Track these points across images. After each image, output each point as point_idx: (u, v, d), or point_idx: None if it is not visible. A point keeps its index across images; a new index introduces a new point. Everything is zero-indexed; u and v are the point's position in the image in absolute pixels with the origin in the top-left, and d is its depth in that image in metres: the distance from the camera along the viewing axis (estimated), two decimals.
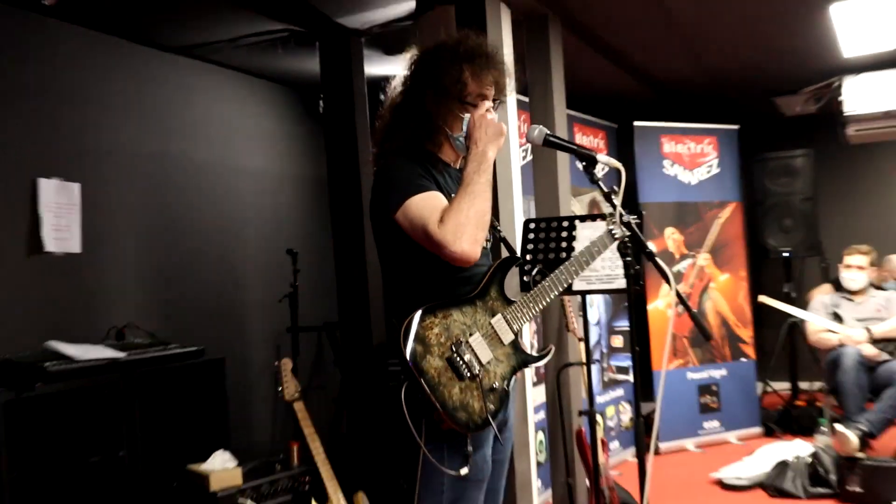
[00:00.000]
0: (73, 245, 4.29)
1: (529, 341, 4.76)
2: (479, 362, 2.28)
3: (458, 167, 2.54)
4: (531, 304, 2.43)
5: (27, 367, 3.34)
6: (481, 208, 2.28)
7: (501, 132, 2.41)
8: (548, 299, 2.47)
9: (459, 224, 2.22)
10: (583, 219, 3.51)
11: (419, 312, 2.21)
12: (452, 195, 2.41)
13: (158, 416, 3.92)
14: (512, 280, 3.63)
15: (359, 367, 4.97)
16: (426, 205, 2.27)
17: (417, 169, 2.34)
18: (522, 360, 2.44)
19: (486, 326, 2.33)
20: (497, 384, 2.33)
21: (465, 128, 2.43)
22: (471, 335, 2.29)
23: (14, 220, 4.06)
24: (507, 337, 2.38)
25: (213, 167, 5.39)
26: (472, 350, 2.27)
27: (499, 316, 2.37)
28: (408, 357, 2.16)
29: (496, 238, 2.58)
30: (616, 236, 2.56)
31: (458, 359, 2.23)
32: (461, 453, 2.27)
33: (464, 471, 2.26)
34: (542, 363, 2.61)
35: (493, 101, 2.50)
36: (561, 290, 2.50)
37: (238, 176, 5.59)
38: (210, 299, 5.24)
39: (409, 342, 2.18)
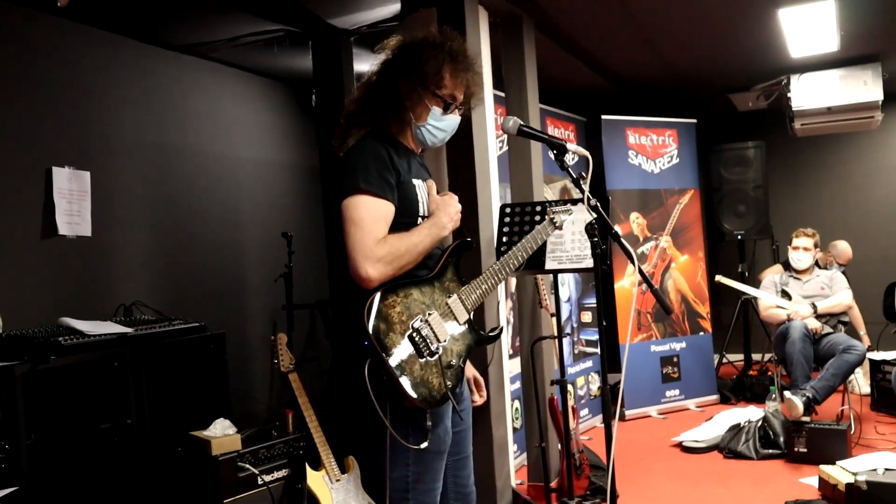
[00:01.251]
0: (84, 229, 4.27)
1: (506, 317, 4.78)
2: (438, 340, 2.25)
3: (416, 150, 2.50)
4: (483, 286, 2.42)
5: (43, 341, 3.33)
6: (409, 262, 2.26)
7: (455, 217, 2.43)
8: (497, 281, 2.46)
9: (389, 258, 2.20)
10: (554, 203, 3.53)
11: (381, 291, 2.17)
12: (415, 180, 2.38)
13: (164, 387, 3.91)
14: (490, 259, 3.66)
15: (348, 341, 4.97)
16: (376, 213, 2.23)
17: (384, 158, 2.28)
18: (477, 338, 2.42)
19: (443, 306, 2.31)
20: (454, 361, 2.31)
21: (431, 119, 2.40)
22: (430, 314, 2.26)
23: (30, 205, 4.03)
24: (463, 316, 2.36)
25: (214, 157, 5.36)
26: (431, 328, 2.24)
27: (455, 296, 2.35)
28: (371, 333, 2.11)
29: None
30: (557, 224, 2.59)
31: (418, 336, 2.20)
32: (422, 428, 2.24)
33: (423, 445, 2.23)
34: (494, 341, 2.61)
35: (459, 106, 2.47)
36: (509, 272, 2.50)
37: (237, 165, 5.57)
38: (211, 279, 5.23)
39: (372, 319, 2.12)
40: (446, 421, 2.35)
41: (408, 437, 2.21)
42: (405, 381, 2.14)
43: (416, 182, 2.39)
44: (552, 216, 2.60)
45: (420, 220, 2.37)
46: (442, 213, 2.37)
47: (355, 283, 2.25)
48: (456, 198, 2.45)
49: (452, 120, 2.47)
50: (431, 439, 2.25)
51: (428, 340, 2.22)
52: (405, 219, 2.30)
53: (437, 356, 2.24)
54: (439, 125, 2.44)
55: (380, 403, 2.15)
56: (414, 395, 2.16)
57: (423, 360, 2.20)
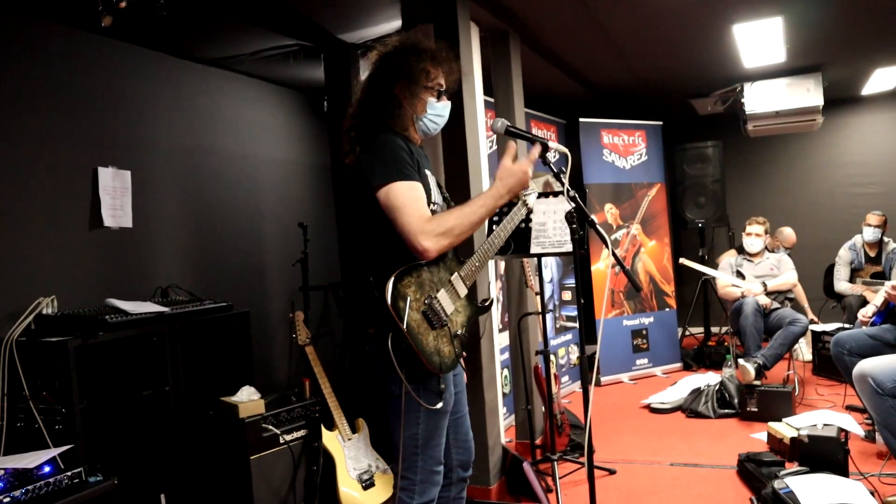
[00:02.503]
0: (126, 221, 4.27)
1: (496, 295, 4.81)
2: (446, 313, 2.27)
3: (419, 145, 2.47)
4: (476, 263, 2.42)
5: (91, 319, 3.35)
6: (466, 232, 2.25)
7: (525, 184, 2.38)
8: (487, 258, 2.47)
9: (443, 230, 2.19)
10: (538, 195, 3.55)
11: (397, 273, 2.15)
12: (426, 171, 2.37)
13: (196, 358, 3.93)
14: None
15: (357, 318, 5.00)
16: (414, 195, 2.21)
17: (405, 149, 2.27)
18: (475, 309, 2.44)
19: (447, 283, 2.31)
20: (460, 331, 2.33)
21: (429, 110, 2.40)
22: (437, 291, 2.26)
23: (79, 201, 4.03)
24: (463, 291, 2.37)
25: (238, 157, 5.36)
26: (440, 303, 2.25)
27: (455, 274, 2.35)
28: (393, 312, 2.11)
29: (448, 206, 2.55)
30: (528, 204, 2.62)
31: (430, 311, 2.21)
32: (435, 391, 2.27)
33: (439, 405, 2.27)
34: (488, 311, 2.63)
35: (446, 91, 2.46)
36: (495, 250, 2.51)
37: (258, 164, 5.57)
38: (237, 264, 5.24)
39: (394, 299, 2.12)
40: (451, 385, 2.39)
41: (421, 398, 2.24)
42: (423, 351, 2.16)
43: (427, 172, 2.38)
44: (524, 198, 2.63)
45: (432, 206, 2.35)
46: (501, 183, 2.35)
47: (370, 268, 2.27)
48: (522, 170, 2.38)
49: (446, 105, 2.47)
50: (444, 400, 2.29)
51: (439, 314, 2.23)
52: None
53: (446, 327, 2.26)
54: (437, 112, 2.44)
55: (399, 369, 2.16)
56: (431, 362, 2.18)
57: (435, 332, 2.22)
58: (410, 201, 2.19)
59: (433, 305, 2.23)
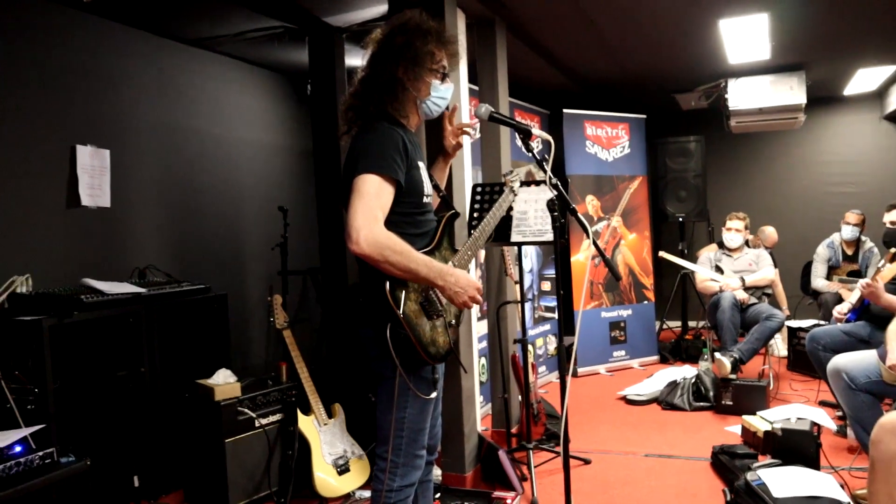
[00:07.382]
0: (104, 201, 4.23)
1: None
2: (441, 303, 2.27)
3: (413, 130, 2.42)
4: (469, 252, 2.42)
5: (67, 298, 3.32)
6: (395, 266, 2.09)
7: (466, 302, 2.23)
8: (479, 246, 2.48)
9: (383, 243, 2.07)
10: (520, 184, 3.54)
11: None
12: (420, 163, 2.33)
13: (173, 340, 3.91)
14: (463, 232, 3.68)
15: (336, 303, 4.99)
16: (382, 193, 2.13)
17: (398, 143, 2.21)
18: None
19: None
20: (453, 321, 2.35)
21: (433, 92, 2.36)
22: None
23: (56, 179, 3.99)
24: None
25: (219, 139, 5.32)
26: (436, 294, 2.25)
27: (450, 263, 2.34)
28: (392, 301, 2.12)
29: (439, 193, 2.55)
30: (514, 190, 2.61)
31: (427, 301, 2.22)
32: (428, 379, 2.30)
33: (433, 394, 2.31)
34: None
35: (447, 73, 2.43)
36: (486, 237, 2.51)
37: (239, 146, 5.53)
38: (215, 246, 5.21)
39: (393, 288, 2.13)
40: (439, 371, 2.40)
41: (414, 385, 2.26)
42: (421, 342, 2.18)
43: (420, 164, 2.33)
44: (510, 184, 2.64)
45: (425, 198, 2.32)
46: (451, 275, 2.21)
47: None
48: (477, 292, 2.28)
49: (449, 88, 2.42)
50: (436, 388, 2.33)
51: (434, 304, 2.24)
52: (412, 198, 2.27)
53: (441, 317, 2.27)
54: (441, 94, 2.39)
55: (395, 357, 2.17)
56: (426, 352, 2.19)
57: (431, 322, 2.23)
58: (374, 196, 2.12)
59: (429, 295, 2.23)
